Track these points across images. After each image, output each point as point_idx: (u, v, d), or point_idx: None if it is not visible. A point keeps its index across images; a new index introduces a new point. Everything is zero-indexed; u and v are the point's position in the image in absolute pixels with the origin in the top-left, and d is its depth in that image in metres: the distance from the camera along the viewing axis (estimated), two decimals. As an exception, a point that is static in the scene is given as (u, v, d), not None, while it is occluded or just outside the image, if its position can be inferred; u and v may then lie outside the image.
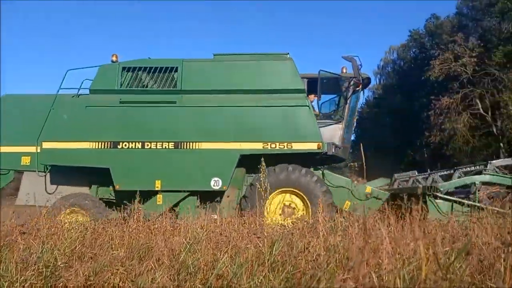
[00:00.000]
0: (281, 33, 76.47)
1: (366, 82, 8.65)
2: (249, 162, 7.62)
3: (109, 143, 7.64)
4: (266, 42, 73.95)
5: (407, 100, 37.65)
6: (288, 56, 8.16)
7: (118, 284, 2.97)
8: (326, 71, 8.23)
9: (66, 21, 79.23)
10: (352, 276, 2.71)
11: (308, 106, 7.74)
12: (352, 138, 11.39)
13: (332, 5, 73.00)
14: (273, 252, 2.95)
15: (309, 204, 7.33)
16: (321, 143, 7.58)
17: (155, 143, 7.56)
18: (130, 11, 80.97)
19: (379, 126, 40.44)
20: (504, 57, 28.87)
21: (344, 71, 8.46)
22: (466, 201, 6.65)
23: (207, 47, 77.42)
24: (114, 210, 7.42)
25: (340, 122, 8.29)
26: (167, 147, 7.53)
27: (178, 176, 7.55)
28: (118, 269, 2.97)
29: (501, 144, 29.52)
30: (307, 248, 2.88)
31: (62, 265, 3.16)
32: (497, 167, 7.47)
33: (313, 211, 7.02)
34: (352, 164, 11.21)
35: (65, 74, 7.94)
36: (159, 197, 7.55)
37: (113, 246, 4.18)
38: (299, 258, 3.08)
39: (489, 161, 7.90)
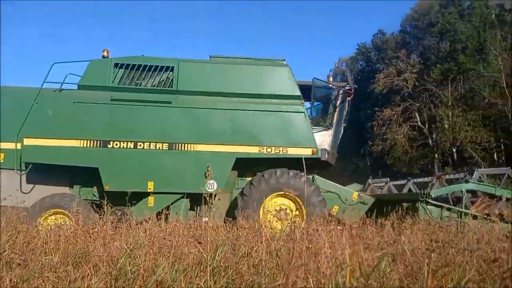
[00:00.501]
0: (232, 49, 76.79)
1: (355, 92, 8.99)
2: (241, 165, 7.59)
3: (98, 141, 7.27)
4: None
5: (354, 111, 39.36)
6: (284, 62, 8.25)
7: (50, 292, 2.81)
8: (319, 79, 8.46)
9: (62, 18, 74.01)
10: (291, 280, 2.80)
11: (303, 112, 7.85)
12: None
13: (287, 15, 74.68)
14: (216, 258, 2.94)
15: (303, 208, 7.38)
16: (315, 149, 7.69)
17: (148, 143, 7.29)
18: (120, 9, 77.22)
19: (327, 134, 41.82)
20: (441, 74, 31.23)
21: (330, 79, 8.78)
22: (454, 207, 7.00)
23: (185, 46, 75.44)
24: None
25: (330, 128, 8.47)
26: (161, 147, 7.30)
27: (172, 178, 7.33)
28: (49, 276, 2.80)
29: (436, 155, 31.84)
30: (250, 253, 2.90)
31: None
32: (483, 174, 8.06)
33: (307, 215, 7.11)
34: None
35: (51, 67, 7.42)
36: (151, 199, 7.25)
37: (47, 251, 3.94)
38: (242, 263, 3.10)
39: (476, 169, 8.51)
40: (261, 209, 7.21)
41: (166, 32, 77.49)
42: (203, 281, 2.46)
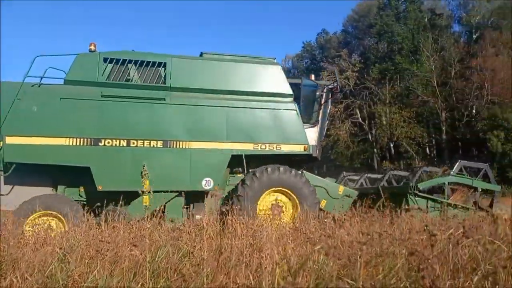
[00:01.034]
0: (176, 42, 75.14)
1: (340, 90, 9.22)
2: (233, 162, 7.57)
3: (89, 139, 6.86)
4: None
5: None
6: (275, 61, 8.36)
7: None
8: (307, 78, 8.70)
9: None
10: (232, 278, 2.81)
11: (295, 110, 7.93)
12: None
13: (235, 12, 74.55)
14: (156, 259, 2.85)
15: (298, 203, 7.48)
16: (307, 146, 7.85)
17: (142, 141, 7.04)
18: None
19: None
20: (379, 73, 33.02)
21: (312, 78, 8.88)
22: (438, 198, 7.44)
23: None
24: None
25: (316, 125, 8.60)
26: (155, 145, 7.10)
27: (167, 176, 7.12)
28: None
29: (375, 150, 33.71)
30: (192, 252, 2.85)
31: None
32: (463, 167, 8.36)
33: (302, 210, 7.18)
34: None
35: (33, 61, 6.84)
36: (146, 198, 6.91)
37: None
38: (183, 262, 3.04)
39: (459, 160, 8.80)
40: (258, 204, 7.32)
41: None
42: (139, 284, 2.37)
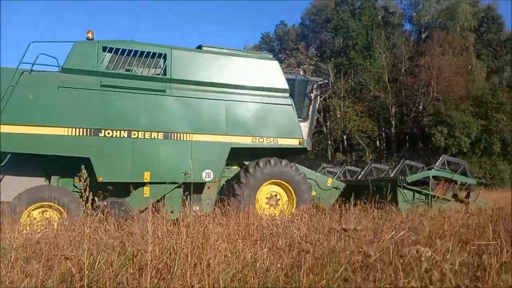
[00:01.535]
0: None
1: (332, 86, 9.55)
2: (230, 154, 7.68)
3: (89, 130, 6.71)
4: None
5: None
6: (272, 56, 8.58)
7: None
8: (300, 74, 9.01)
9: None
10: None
11: (292, 105, 8.11)
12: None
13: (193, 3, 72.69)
14: (96, 266, 2.68)
15: (294, 196, 7.74)
16: (302, 139, 8.10)
17: (142, 132, 6.98)
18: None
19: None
20: (335, 68, 33.83)
21: (301, 73, 9.12)
22: (423, 190, 7.82)
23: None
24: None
25: (306, 120, 8.80)
26: (156, 137, 7.06)
27: (168, 168, 7.09)
28: None
29: (329, 142, 34.66)
30: (136, 256, 2.71)
31: None
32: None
33: (297, 202, 7.58)
34: None
35: (28, 47, 6.54)
36: (146, 189, 6.99)
37: None
38: (127, 267, 2.89)
39: (443, 154, 9.43)
40: (257, 196, 7.51)
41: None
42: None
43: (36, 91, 6.59)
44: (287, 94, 8.17)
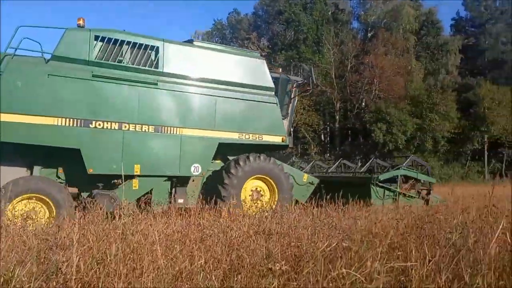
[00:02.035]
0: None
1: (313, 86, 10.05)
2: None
3: (79, 120, 6.61)
4: None
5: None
6: (259, 54, 8.87)
7: None
8: (284, 74, 9.41)
9: None
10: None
11: (277, 103, 8.41)
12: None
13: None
14: (15, 277, 2.47)
15: (276, 190, 8.10)
16: (285, 137, 8.50)
17: (133, 125, 6.98)
18: None
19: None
20: (285, 60, 34.22)
21: (280, 70, 9.43)
22: (391, 188, 8.41)
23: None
24: None
25: (286, 117, 9.09)
26: (147, 130, 7.09)
27: (158, 161, 7.20)
28: None
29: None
30: (60, 269, 2.53)
31: None
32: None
33: (279, 197, 7.99)
34: None
35: (15, 31, 6.31)
36: (135, 182, 7.07)
37: None
38: (52, 278, 2.70)
39: (411, 155, 10.30)
40: (242, 190, 7.77)
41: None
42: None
43: (26, 78, 6.35)
44: (273, 93, 8.45)
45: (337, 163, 11.38)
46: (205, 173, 7.81)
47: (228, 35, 43.37)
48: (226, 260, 3.41)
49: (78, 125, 6.61)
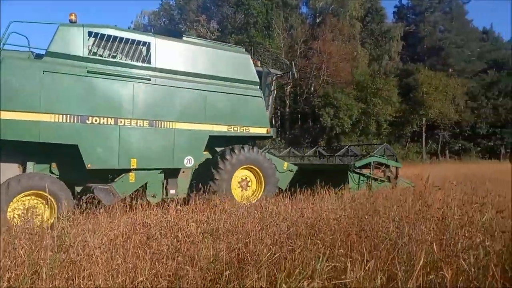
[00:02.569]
0: None
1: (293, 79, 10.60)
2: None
3: (76, 117, 6.73)
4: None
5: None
6: (244, 50, 9.16)
7: None
8: (266, 68, 9.78)
9: None
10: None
11: (262, 97, 8.82)
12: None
13: None
14: None
15: (263, 180, 8.57)
16: (269, 128, 8.96)
17: (129, 120, 7.17)
18: None
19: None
20: (235, 44, 33.86)
21: (259, 64, 9.52)
22: (366, 174, 9.05)
23: None
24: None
25: (267, 110, 9.39)
26: (142, 125, 7.32)
27: (153, 154, 7.45)
28: None
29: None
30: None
31: None
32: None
33: (265, 186, 8.51)
34: None
35: (8, 26, 6.37)
36: (132, 175, 7.30)
37: None
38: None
39: (385, 143, 10.90)
40: (232, 180, 8.17)
41: None
42: None
43: (21, 75, 6.36)
44: (258, 87, 8.84)
45: (313, 149, 12.10)
46: (197, 165, 8.16)
47: (176, 16, 41.95)
48: (171, 265, 3.36)
49: (75, 122, 6.73)
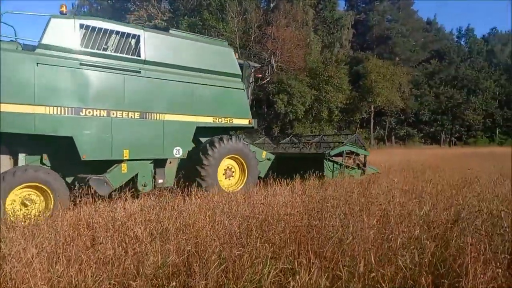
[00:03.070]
0: None
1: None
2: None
3: (70, 109, 6.84)
4: None
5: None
6: (227, 43, 9.49)
7: None
8: (247, 61, 10.06)
9: None
10: None
11: (244, 89, 9.11)
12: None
13: None
14: None
15: (246, 169, 8.90)
16: (251, 119, 9.26)
17: (121, 112, 7.36)
18: None
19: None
20: (188, 27, 32.93)
21: (236, 56, 9.60)
22: (339, 161, 9.56)
23: None
24: None
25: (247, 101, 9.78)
26: (133, 117, 7.52)
27: (144, 145, 7.69)
28: None
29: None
30: None
31: None
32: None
33: (248, 174, 8.87)
34: None
35: (1, 17, 6.39)
36: (124, 166, 7.50)
37: None
38: None
39: (356, 134, 11.49)
40: (219, 168, 8.50)
41: None
42: None
43: (14, 67, 6.37)
44: (240, 79, 9.14)
45: (287, 139, 12.61)
46: (185, 155, 8.43)
47: (124, -6, 39.85)
48: (117, 272, 3.26)
49: (70, 114, 6.82)
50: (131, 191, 6.91)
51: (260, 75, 11.04)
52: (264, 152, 10.21)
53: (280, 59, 32.12)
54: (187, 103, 8.29)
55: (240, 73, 9.20)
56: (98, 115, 7.12)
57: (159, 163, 8.07)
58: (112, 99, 7.30)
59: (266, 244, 3.42)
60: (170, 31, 8.58)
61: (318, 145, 11.03)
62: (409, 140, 45.70)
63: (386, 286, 2.82)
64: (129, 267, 3.42)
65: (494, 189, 6.75)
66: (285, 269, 3.07)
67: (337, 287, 2.80)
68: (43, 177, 6.37)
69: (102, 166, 7.30)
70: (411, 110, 44.46)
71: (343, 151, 9.83)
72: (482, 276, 2.65)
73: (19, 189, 6.27)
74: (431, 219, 4.46)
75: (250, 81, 10.17)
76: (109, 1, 43.17)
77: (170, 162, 8.27)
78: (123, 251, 3.67)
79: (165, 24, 33.08)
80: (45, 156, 7.19)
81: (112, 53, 7.36)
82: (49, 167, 7.04)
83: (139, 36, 7.61)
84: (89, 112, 7.03)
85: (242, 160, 8.91)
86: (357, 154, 10.26)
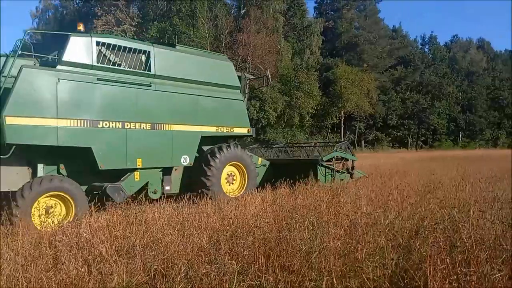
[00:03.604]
0: None
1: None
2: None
3: (89, 121, 7.25)
4: None
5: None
6: (227, 57, 10.26)
7: None
8: (245, 74, 10.59)
9: None
10: None
11: (243, 100, 9.71)
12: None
13: None
14: None
15: (246, 175, 9.38)
16: (250, 128, 9.79)
17: (134, 123, 7.81)
18: None
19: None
20: (157, 32, 32.54)
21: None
22: (331, 166, 9.98)
23: None
24: None
25: None
26: (144, 127, 7.96)
27: (155, 154, 8.14)
28: None
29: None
30: None
31: None
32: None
33: (247, 180, 9.35)
34: None
35: (24, 35, 7.25)
36: (137, 174, 7.97)
37: None
38: None
39: (346, 141, 11.96)
40: (222, 175, 8.94)
41: None
42: None
43: (37, 82, 6.72)
44: (239, 91, 9.69)
45: (279, 145, 13.15)
46: (192, 163, 8.84)
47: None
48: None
49: (89, 126, 7.22)
50: (96, 206, 6.73)
51: (258, 87, 11.62)
52: (260, 159, 10.74)
53: (252, 65, 32.29)
54: (193, 114, 8.81)
55: (239, 85, 9.78)
56: (114, 126, 7.60)
57: (166, 171, 8.56)
58: (126, 111, 7.77)
59: (234, 261, 3.40)
60: (177, 46, 9.16)
61: (310, 150, 11.58)
62: (378, 144, 46.96)
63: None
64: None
65: (456, 194, 7.03)
66: (253, 286, 3.07)
67: (304, 303, 2.82)
68: (67, 186, 6.78)
69: (114, 175, 7.66)
70: (379, 115, 45.74)
71: (333, 157, 10.28)
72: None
73: (44, 197, 6.57)
74: (395, 228, 4.58)
75: (246, 92, 10.78)
76: (75, 6, 42.08)
77: (175, 170, 8.72)
78: (87, 271, 3.55)
79: (134, 29, 32.60)
80: (62, 166, 7.54)
81: (126, 68, 7.87)
82: (66, 177, 7.41)
83: (149, 52, 8.13)
84: (106, 124, 7.49)
85: (242, 167, 9.42)
86: (346, 160, 10.72)
